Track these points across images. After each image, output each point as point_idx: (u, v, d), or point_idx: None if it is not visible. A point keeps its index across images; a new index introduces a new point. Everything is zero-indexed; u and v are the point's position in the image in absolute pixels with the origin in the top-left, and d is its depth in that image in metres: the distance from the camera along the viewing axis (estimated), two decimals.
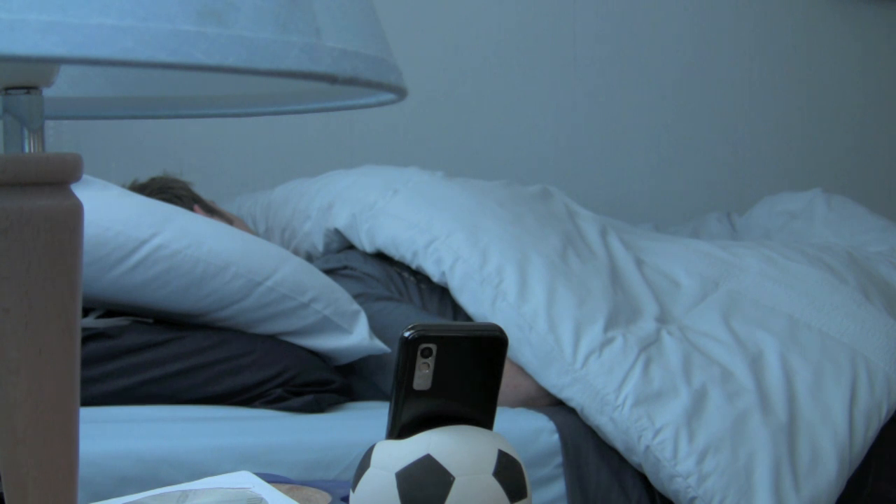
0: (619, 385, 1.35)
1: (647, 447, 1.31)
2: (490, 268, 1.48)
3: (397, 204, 1.62)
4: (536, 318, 1.42)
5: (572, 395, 1.37)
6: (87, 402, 1.27)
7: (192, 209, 1.66)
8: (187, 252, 1.35)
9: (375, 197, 1.65)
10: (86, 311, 1.42)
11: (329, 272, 1.57)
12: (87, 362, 1.29)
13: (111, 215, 1.34)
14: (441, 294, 1.58)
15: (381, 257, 1.63)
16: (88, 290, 1.32)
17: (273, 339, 1.41)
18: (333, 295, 1.43)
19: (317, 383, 1.39)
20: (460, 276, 1.50)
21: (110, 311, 1.42)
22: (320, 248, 1.74)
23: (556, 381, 1.39)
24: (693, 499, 1.29)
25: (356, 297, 1.50)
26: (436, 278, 1.54)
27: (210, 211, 1.71)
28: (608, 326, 1.41)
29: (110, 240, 1.32)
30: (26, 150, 0.59)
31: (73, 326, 0.60)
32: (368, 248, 1.62)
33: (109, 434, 1.22)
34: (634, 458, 1.34)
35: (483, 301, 1.47)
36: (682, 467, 1.30)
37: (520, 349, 1.42)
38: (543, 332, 1.40)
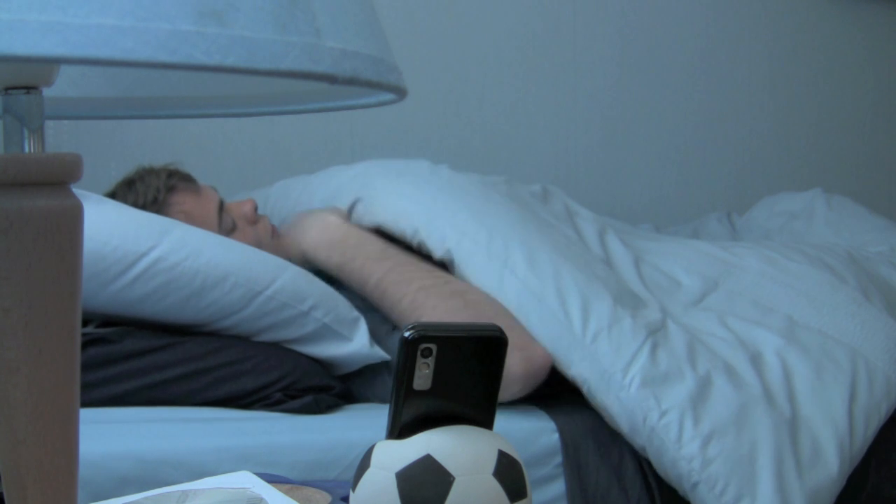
0: (627, 365, 1.34)
1: (653, 428, 1.30)
2: (497, 244, 1.46)
3: (401, 184, 1.60)
4: (545, 293, 1.41)
5: (580, 371, 1.35)
6: (86, 406, 1.26)
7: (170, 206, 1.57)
8: (186, 264, 1.35)
9: (379, 181, 1.64)
10: (84, 323, 1.40)
11: None
12: (86, 367, 1.28)
13: (108, 230, 1.33)
14: None
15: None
16: (88, 304, 1.31)
17: (273, 345, 1.40)
18: (333, 302, 1.43)
19: (316, 389, 1.38)
20: (467, 251, 1.47)
21: (109, 322, 1.41)
22: None
23: (565, 357, 1.37)
24: (696, 483, 1.28)
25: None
26: (438, 254, 1.49)
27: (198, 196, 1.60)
28: (616, 305, 1.41)
29: (108, 254, 1.32)
30: (26, 150, 0.59)
31: (74, 327, 0.60)
32: (367, 223, 1.57)
33: (110, 435, 1.22)
34: (638, 440, 1.32)
35: (490, 273, 1.44)
36: (687, 450, 1.29)
37: (528, 322, 1.39)
38: (554, 307, 1.40)
